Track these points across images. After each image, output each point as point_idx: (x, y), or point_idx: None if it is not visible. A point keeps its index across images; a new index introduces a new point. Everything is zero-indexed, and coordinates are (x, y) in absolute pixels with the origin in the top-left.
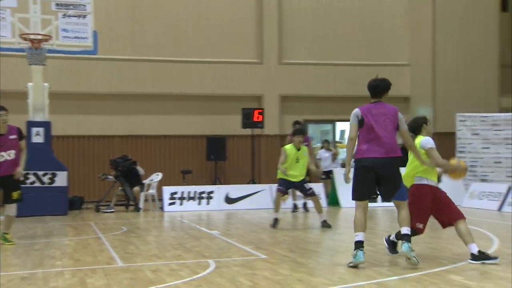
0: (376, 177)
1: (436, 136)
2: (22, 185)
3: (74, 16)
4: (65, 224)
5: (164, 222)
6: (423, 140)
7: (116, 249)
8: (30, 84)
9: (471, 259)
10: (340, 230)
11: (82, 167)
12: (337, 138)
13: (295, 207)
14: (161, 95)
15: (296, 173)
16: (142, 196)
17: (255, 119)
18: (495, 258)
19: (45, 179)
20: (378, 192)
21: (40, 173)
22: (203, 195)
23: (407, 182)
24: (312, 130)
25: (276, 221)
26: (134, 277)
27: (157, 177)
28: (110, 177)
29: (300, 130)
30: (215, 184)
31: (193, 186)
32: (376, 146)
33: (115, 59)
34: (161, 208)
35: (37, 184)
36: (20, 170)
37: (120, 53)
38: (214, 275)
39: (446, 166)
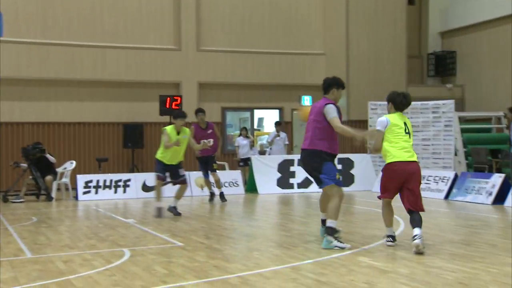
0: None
1: (349, 123)
2: None
3: None
4: None
5: (77, 212)
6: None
7: (24, 240)
8: None
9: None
10: (256, 216)
11: None
12: (255, 125)
13: (212, 196)
14: (75, 81)
15: (174, 157)
16: (54, 185)
17: (173, 106)
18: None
19: None
20: None
21: None
22: (120, 183)
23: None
24: (230, 117)
25: (159, 211)
26: (43, 268)
27: (70, 165)
28: (23, 165)
29: (179, 113)
30: (132, 172)
31: (109, 174)
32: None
33: (23, 42)
34: (75, 197)
35: None
36: None
37: (29, 36)
38: (128, 264)
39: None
